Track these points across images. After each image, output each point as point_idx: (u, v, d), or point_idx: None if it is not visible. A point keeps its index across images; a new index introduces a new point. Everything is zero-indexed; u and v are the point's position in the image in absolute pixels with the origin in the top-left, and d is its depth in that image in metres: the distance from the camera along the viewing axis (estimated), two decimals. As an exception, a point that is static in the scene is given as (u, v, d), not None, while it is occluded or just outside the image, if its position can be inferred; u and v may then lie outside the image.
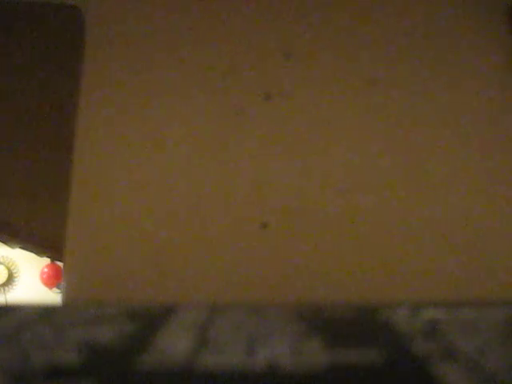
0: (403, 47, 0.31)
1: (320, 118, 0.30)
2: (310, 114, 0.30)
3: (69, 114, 0.33)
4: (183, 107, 0.30)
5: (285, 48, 0.31)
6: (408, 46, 0.31)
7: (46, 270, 2.23)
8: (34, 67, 0.49)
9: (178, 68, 0.31)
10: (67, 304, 0.28)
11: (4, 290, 2.34)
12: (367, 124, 0.30)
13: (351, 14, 0.31)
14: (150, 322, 0.16)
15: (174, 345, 0.13)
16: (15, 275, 2.37)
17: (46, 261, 2.10)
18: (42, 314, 0.17)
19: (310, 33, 0.31)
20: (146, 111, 0.30)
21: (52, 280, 2.22)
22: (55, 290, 2.24)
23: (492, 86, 0.31)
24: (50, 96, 0.51)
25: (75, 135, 0.31)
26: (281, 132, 0.29)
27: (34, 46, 0.46)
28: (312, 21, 0.31)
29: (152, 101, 0.31)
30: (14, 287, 2.37)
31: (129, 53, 0.32)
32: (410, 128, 0.30)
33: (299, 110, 0.30)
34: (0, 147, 0.58)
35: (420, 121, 0.30)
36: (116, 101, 0.31)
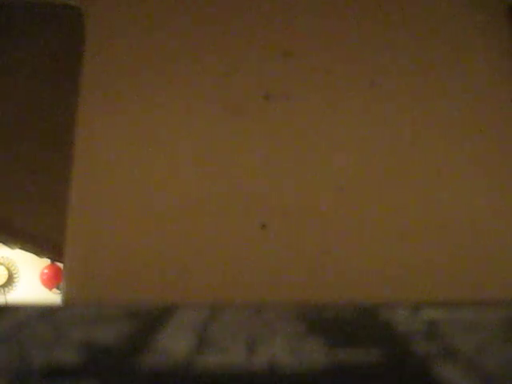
0: (403, 47, 0.31)
1: (320, 118, 0.30)
2: (309, 114, 0.30)
3: (69, 114, 0.33)
4: (183, 107, 0.30)
5: (284, 48, 0.31)
6: (408, 47, 0.31)
7: (45, 270, 2.23)
8: (33, 67, 0.49)
9: (177, 68, 0.31)
10: (67, 304, 0.28)
11: (4, 290, 2.34)
12: (367, 124, 0.30)
13: (351, 14, 0.31)
14: (150, 322, 0.16)
15: (174, 345, 0.13)
16: (15, 276, 2.37)
17: (46, 262, 2.10)
18: (42, 313, 0.17)
19: (309, 33, 0.31)
20: (145, 111, 0.30)
21: (52, 281, 2.22)
22: (55, 290, 2.24)
23: (492, 85, 0.31)
24: (50, 96, 0.51)
25: (75, 135, 0.31)
26: (280, 132, 0.29)
27: (34, 45, 0.46)
28: (312, 21, 0.31)
29: (152, 101, 0.31)
30: (14, 288, 2.37)
31: (129, 53, 0.32)
32: (411, 128, 0.30)
33: (299, 110, 0.30)
34: (0, 147, 0.58)
35: (421, 121, 0.30)
36: (116, 101, 0.31)
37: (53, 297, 2.23)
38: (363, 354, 0.12)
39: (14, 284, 2.37)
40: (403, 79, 0.30)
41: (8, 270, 2.35)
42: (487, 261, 0.28)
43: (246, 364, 0.12)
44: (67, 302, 0.28)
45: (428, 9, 0.32)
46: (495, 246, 0.28)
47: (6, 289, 2.35)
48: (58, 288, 2.20)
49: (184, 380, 0.11)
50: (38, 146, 0.59)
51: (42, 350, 0.13)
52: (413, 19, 0.32)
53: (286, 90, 0.30)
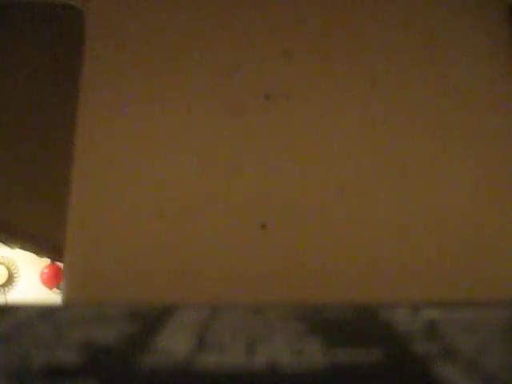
0: (403, 47, 0.31)
1: (320, 118, 0.30)
2: (309, 114, 0.30)
3: (69, 114, 0.33)
4: (183, 107, 0.30)
5: (285, 48, 0.31)
6: (408, 47, 0.31)
7: (45, 270, 2.23)
8: (33, 67, 0.49)
9: (177, 68, 0.31)
10: (67, 304, 0.28)
11: (4, 290, 2.34)
12: (368, 124, 0.30)
13: (352, 14, 0.31)
14: (150, 322, 0.16)
15: (174, 345, 0.13)
16: (15, 276, 2.37)
17: (46, 261, 2.10)
18: (42, 313, 0.17)
19: (310, 33, 0.31)
20: (145, 111, 0.30)
21: (52, 280, 2.22)
22: (55, 290, 2.24)
23: (492, 85, 0.31)
24: (50, 96, 0.51)
25: (75, 135, 0.31)
26: (280, 132, 0.29)
27: (34, 45, 0.46)
28: (312, 21, 0.31)
29: (152, 101, 0.31)
30: (14, 288, 2.37)
31: (129, 53, 0.32)
32: (411, 128, 0.30)
33: (299, 109, 0.30)
34: (0, 147, 0.58)
35: (421, 121, 0.30)
36: (116, 100, 0.31)
37: (53, 297, 2.23)
38: (363, 354, 0.12)
39: (13, 284, 2.37)
40: (403, 79, 0.30)
41: (8, 269, 2.35)
42: (487, 261, 0.28)
43: (246, 364, 0.12)
44: (67, 302, 0.28)
45: (428, 9, 0.32)
46: (495, 245, 0.28)
47: (6, 288, 2.35)
48: (58, 288, 2.20)
49: (184, 380, 0.11)
50: (37, 146, 0.59)
51: (42, 350, 0.13)
52: (413, 19, 0.32)
53: (287, 89, 0.30)
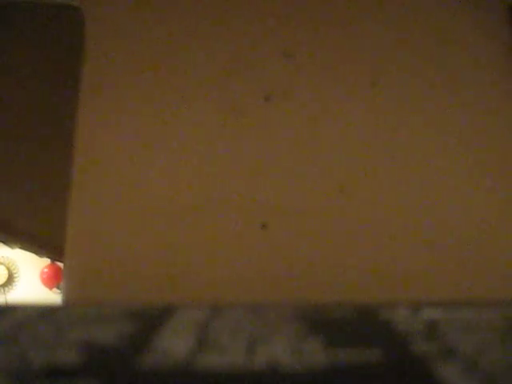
0: (404, 48, 0.31)
1: (320, 119, 0.30)
2: (310, 115, 0.30)
3: (69, 114, 0.33)
4: (182, 107, 0.30)
5: (285, 48, 0.31)
6: (408, 47, 0.31)
7: (46, 270, 2.23)
8: (33, 67, 0.49)
9: (177, 68, 0.31)
10: (67, 304, 0.28)
11: (4, 290, 2.34)
12: (368, 124, 0.30)
13: (353, 14, 0.31)
14: (150, 322, 0.16)
15: (173, 345, 0.13)
16: (15, 276, 2.37)
17: (46, 261, 2.10)
18: (42, 313, 0.17)
19: (310, 33, 0.31)
20: (145, 111, 0.30)
21: (52, 280, 2.22)
22: (55, 290, 2.24)
23: (492, 85, 0.31)
24: (50, 96, 0.51)
25: (75, 135, 0.31)
26: (280, 132, 0.29)
27: (34, 45, 0.46)
28: (312, 21, 0.31)
29: (152, 101, 0.31)
30: (14, 288, 2.37)
31: (129, 53, 0.32)
32: (411, 129, 0.30)
33: (299, 110, 0.30)
34: (0, 147, 0.58)
35: (421, 122, 0.30)
36: (116, 101, 0.31)
37: (53, 297, 2.23)
38: (363, 354, 0.12)
39: (14, 284, 2.37)
40: (404, 80, 0.30)
41: (8, 269, 2.35)
42: (487, 261, 0.28)
43: (246, 364, 0.12)
44: (67, 302, 0.28)
45: (428, 9, 0.32)
46: (495, 245, 0.28)
47: (6, 289, 2.35)
48: (58, 288, 2.20)
49: (184, 380, 0.11)
50: (37, 146, 0.59)
51: (42, 350, 0.13)
52: (413, 19, 0.32)
53: (287, 90, 0.30)
